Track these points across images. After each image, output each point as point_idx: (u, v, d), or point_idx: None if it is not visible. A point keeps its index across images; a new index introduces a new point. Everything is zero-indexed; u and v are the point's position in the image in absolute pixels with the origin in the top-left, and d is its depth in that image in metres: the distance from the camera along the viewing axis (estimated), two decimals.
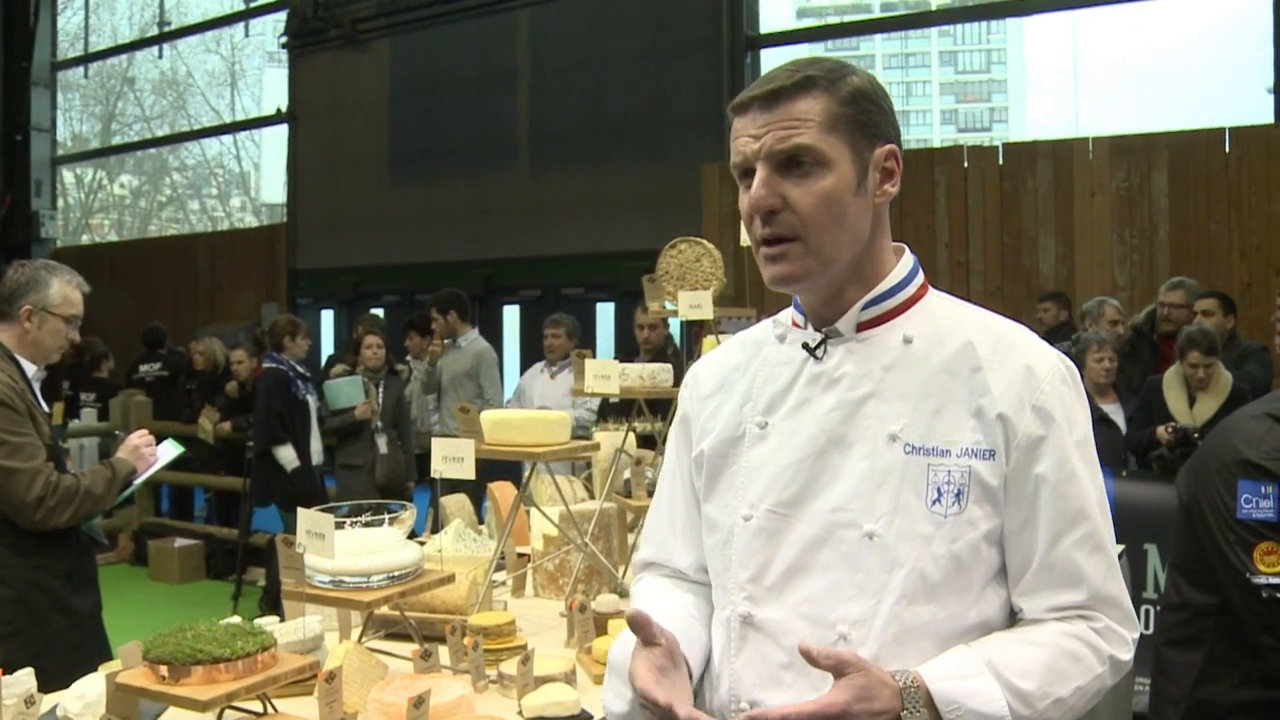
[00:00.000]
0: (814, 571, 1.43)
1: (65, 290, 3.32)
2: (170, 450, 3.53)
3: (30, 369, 3.27)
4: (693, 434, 1.63)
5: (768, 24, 10.55)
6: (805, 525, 1.44)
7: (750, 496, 1.49)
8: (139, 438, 3.45)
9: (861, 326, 1.48)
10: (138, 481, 3.43)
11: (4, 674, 2.14)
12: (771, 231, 1.43)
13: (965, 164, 8.76)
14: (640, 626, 1.42)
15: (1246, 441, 2.15)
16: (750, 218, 1.45)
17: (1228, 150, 7.85)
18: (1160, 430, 5.33)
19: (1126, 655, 1.44)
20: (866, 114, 1.44)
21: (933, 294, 1.53)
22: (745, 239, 3.31)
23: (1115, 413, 5.68)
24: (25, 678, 2.18)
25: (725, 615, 1.50)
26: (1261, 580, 2.08)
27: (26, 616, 3.12)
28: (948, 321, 1.49)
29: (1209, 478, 2.20)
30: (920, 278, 1.53)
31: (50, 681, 2.33)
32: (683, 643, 1.47)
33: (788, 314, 1.58)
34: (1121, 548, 1.46)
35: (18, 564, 3.13)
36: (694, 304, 3.07)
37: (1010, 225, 8.54)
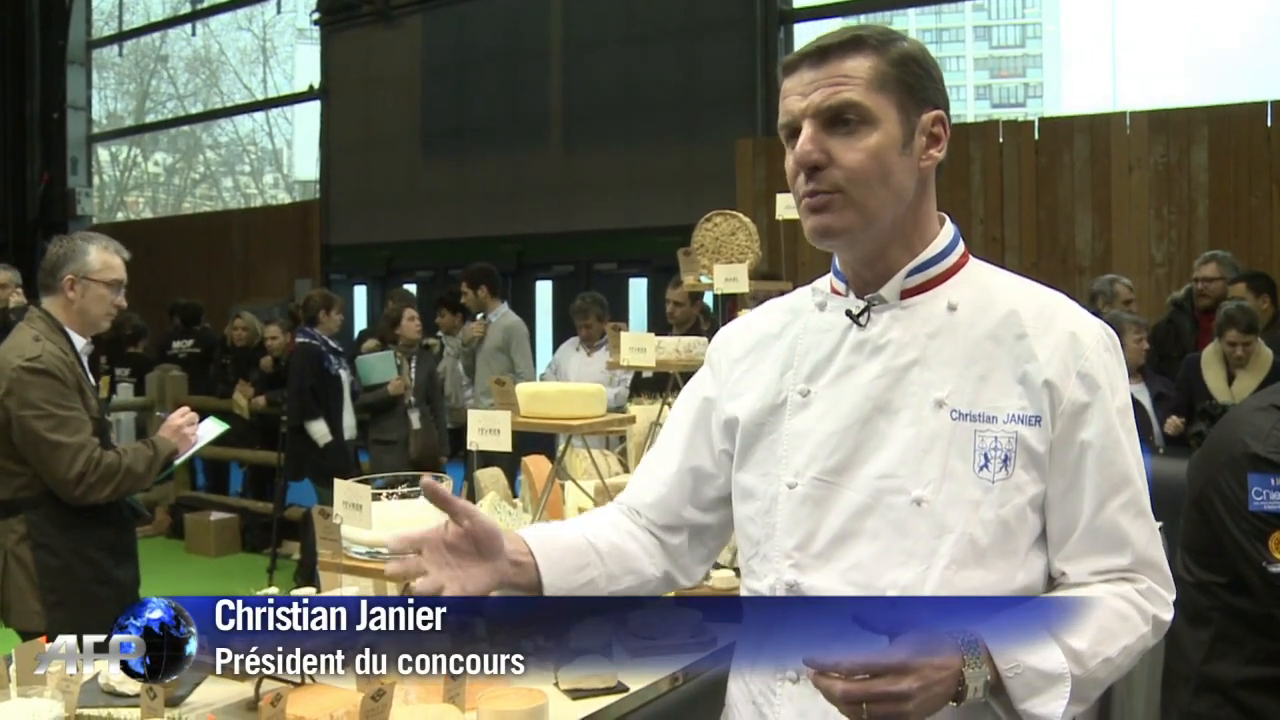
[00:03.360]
0: (862, 538, 1.43)
1: (104, 256, 3.33)
2: (212, 428, 3.56)
3: (79, 342, 3.30)
4: (718, 397, 1.61)
5: None
6: (852, 492, 1.44)
7: (795, 465, 1.48)
8: (181, 417, 3.47)
9: (905, 294, 1.48)
10: (179, 461, 3.47)
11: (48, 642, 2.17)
12: (815, 187, 1.42)
13: (1001, 139, 8.67)
14: (437, 500, 1.42)
15: (1253, 435, 2.17)
16: (795, 174, 1.45)
17: (1269, 125, 7.72)
18: (1172, 420, 5.40)
19: (1168, 615, 1.46)
20: (915, 77, 1.44)
21: (974, 262, 1.53)
22: (780, 213, 3.27)
23: (1140, 392, 5.61)
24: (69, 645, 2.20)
25: (769, 583, 1.49)
26: (1277, 570, 2.11)
27: (72, 586, 3.18)
28: (991, 289, 1.49)
29: (1218, 471, 2.22)
30: (961, 246, 1.53)
31: None
32: (553, 558, 1.50)
33: (826, 281, 1.57)
34: (1159, 525, 1.49)
35: (63, 536, 3.18)
36: (729, 277, 3.06)
37: (1046, 201, 8.45)
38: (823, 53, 1.43)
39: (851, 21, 11.66)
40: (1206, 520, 2.24)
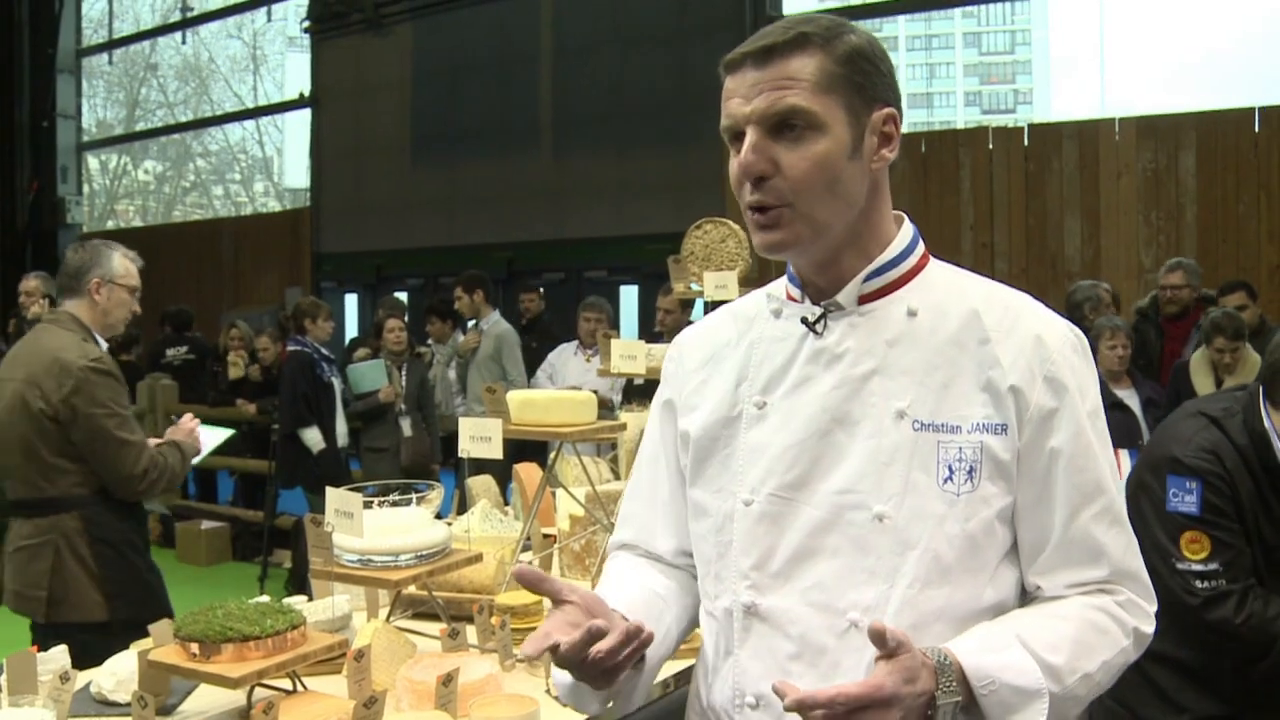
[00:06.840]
0: (822, 556, 1.36)
1: (125, 263, 3.46)
2: (216, 435, 3.72)
3: (102, 345, 3.39)
4: (676, 409, 1.55)
5: (791, 4, 10.50)
6: (811, 509, 1.37)
7: (750, 480, 1.41)
8: (191, 422, 3.61)
9: (863, 299, 1.41)
10: (192, 464, 3.61)
11: (43, 649, 2.17)
12: (760, 199, 1.36)
13: (990, 146, 8.71)
14: (532, 583, 1.31)
15: (1177, 440, 2.44)
16: (740, 183, 1.37)
17: (1257, 131, 7.78)
18: None
19: (1149, 627, 1.40)
20: (864, 75, 1.36)
21: (934, 264, 1.47)
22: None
23: (1129, 397, 5.62)
24: (60, 654, 2.21)
25: (724, 605, 1.43)
26: (1184, 566, 2.39)
27: (129, 575, 3.32)
28: (952, 292, 1.42)
29: (1147, 471, 2.47)
30: (921, 247, 1.46)
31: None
32: (639, 616, 1.36)
33: (781, 286, 1.50)
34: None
35: (115, 529, 3.31)
36: (719, 284, 3.07)
37: (1035, 207, 8.49)
38: (767, 52, 1.34)
39: None
40: (1139, 515, 2.42)
